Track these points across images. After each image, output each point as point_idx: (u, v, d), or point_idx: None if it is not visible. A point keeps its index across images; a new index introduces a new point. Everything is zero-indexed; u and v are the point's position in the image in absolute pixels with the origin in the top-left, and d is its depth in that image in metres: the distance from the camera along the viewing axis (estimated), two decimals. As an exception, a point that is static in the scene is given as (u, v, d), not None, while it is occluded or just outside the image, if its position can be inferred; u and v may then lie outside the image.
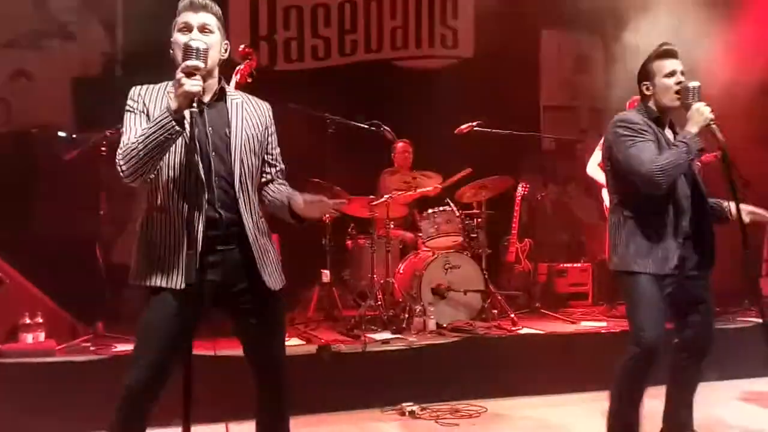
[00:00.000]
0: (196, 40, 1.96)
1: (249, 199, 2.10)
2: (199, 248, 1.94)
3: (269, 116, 2.22)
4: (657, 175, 2.47)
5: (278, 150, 2.26)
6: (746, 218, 2.59)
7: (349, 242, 5.13)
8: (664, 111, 2.67)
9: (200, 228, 1.96)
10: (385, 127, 4.72)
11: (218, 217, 2.03)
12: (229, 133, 2.07)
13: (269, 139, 2.21)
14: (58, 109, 4.33)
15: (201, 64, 1.88)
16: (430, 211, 4.78)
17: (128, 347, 3.23)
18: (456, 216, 4.75)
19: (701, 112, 2.51)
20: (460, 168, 5.00)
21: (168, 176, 2.01)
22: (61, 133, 3.91)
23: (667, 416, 2.80)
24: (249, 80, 4.18)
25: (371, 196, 4.75)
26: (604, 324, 4.46)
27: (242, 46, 4.36)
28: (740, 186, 2.70)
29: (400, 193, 4.68)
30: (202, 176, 1.99)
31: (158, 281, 2.00)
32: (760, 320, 4.00)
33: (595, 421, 2.81)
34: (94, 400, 2.56)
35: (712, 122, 2.51)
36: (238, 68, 4.16)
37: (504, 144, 5.06)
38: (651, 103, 2.67)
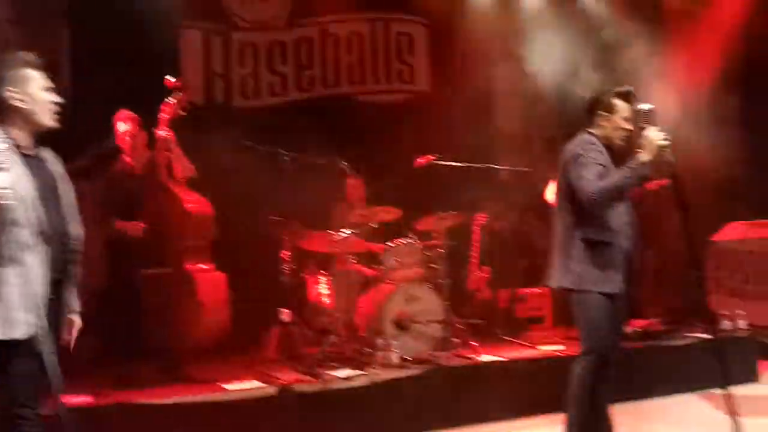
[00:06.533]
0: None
1: None
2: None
3: None
4: (597, 196, 2.58)
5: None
6: None
7: (308, 278, 5.08)
8: (611, 144, 2.79)
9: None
10: (343, 162, 4.76)
11: None
12: None
13: None
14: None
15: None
16: (390, 243, 4.79)
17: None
18: (417, 247, 4.78)
19: (651, 141, 2.49)
20: (420, 201, 5.05)
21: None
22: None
23: None
24: (182, 113, 4.11)
25: (330, 231, 4.74)
26: (561, 347, 4.55)
27: (171, 78, 4.00)
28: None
29: (356, 231, 4.67)
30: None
31: None
32: (708, 336, 4.20)
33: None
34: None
35: (664, 148, 2.48)
36: (164, 102, 4.03)
37: (462, 175, 5.13)
38: (601, 134, 2.78)
